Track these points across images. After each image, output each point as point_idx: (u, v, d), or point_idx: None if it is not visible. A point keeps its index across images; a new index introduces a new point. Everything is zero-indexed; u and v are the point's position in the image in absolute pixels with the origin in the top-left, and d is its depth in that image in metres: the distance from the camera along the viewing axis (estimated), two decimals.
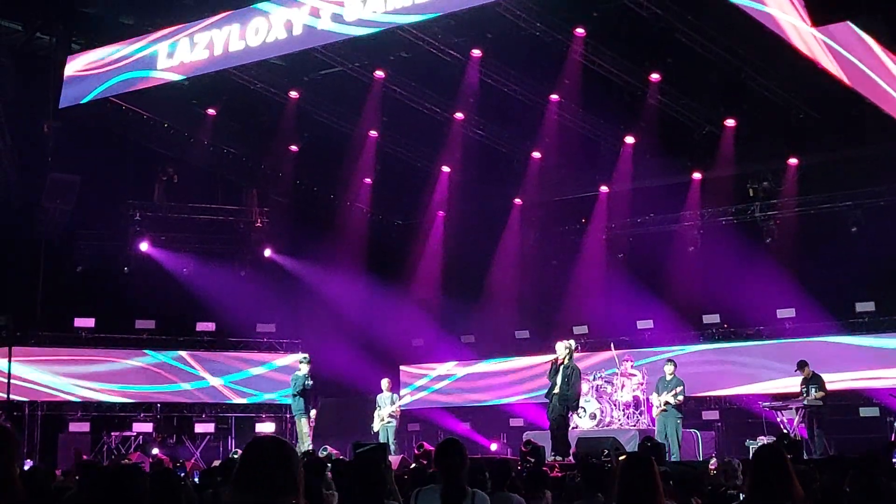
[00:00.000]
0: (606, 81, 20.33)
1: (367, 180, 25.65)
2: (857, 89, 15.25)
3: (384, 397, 20.04)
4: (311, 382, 19.43)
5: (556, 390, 17.33)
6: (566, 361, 17.52)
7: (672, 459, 15.88)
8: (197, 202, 25.69)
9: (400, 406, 20.43)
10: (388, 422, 19.81)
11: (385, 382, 20.41)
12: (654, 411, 18.59)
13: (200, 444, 23.71)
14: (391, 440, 19.51)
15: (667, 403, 18.11)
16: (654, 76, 20.18)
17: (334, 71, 20.98)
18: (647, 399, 19.55)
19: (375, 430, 19.89)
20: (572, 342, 18.26)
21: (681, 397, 18.21)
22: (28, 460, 20.21)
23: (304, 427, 19.35)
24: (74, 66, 20.84)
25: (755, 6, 14.31)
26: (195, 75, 19.54)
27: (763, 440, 17.13)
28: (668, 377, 18.57)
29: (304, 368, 19.66)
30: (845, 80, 14.75)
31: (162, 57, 19.37)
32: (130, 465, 10.73)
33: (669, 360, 19.07)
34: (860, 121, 19.37)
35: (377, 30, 17.16)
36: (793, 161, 22.32)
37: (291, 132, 23.38)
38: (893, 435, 18.71)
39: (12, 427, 21.85)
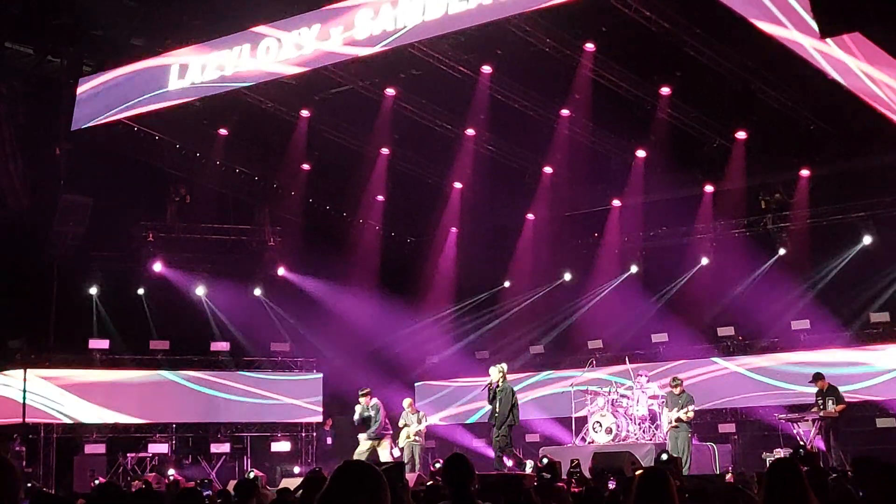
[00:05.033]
0: (616, 96, 20.32)
1: (380, 198, 25.63)
2: (867, 100, 15.23)
3: (410, 416, 20.04)
4: (368, 414, 19.31)
5: (497, 414, 18.03)
6: (500, 384, 18.14)
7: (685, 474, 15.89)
8: (209, 222, 25.73)
9: (426, 425, 20.44)
10: (415, 440, 19.84)
11: (407, 402, 20.42)
12: (665, 427, 18.62)
13: (216, 465, 23.72)
14: (416, 459, 19.59)
15: (678, 420, 18.15)
16: (664, 90, 20.17)
17: (345, 89, 21.02)
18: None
19: (400, 446, 19.91)
20: (504, 365, 18.67)
21: (691, 413, 18.31)
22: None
23: (362, 446, 19.28)
24: (85, 88, 20.92)
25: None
26: (207, 95, 19.62)
27: (780, 452, 17.08)
28: (678, 392, 18.66)
29: (363, 401, 19.52)
30: (854, 90, 14.74)
31: (173, 78, 19.46)
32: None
33: (674, 378, 19.16)
34: (871, 131, 19.33)
35: (387, 48, 17.24)
36: (804, 172, 22.24)
37: (303, 151, 23.38)
38: None
39: (21, 451, 21.97)
